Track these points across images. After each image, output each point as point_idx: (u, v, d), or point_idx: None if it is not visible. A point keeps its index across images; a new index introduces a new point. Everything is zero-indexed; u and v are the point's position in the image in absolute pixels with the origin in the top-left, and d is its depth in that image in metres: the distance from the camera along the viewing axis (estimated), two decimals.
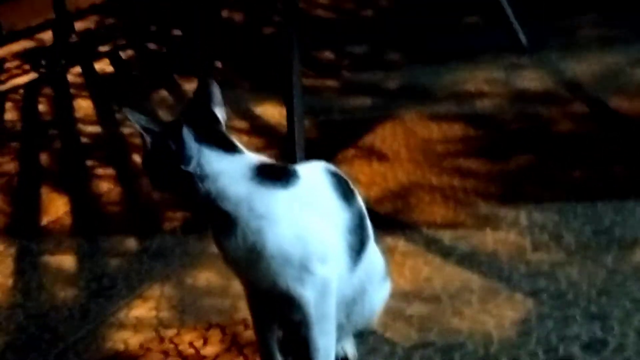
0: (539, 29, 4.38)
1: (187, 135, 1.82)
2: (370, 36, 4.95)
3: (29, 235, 3.02)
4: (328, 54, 4.76)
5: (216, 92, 1.89)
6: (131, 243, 2.87)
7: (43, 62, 5.42)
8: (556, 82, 3.78)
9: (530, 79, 3.83)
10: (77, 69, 5.14)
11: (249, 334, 2.17)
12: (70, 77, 5.01)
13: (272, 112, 3.84)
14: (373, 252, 2.00)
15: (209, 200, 1.83)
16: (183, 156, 1.81)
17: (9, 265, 2.84)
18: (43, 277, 2.73)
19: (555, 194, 2.77)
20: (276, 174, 1.86)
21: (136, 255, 2.77)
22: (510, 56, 4.12)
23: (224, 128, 1.89)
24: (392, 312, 2.16)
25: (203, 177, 1.82)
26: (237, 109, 3.87)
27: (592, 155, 3.02)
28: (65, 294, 2.60)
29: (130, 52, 5.40)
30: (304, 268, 1.83)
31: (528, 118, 3.43)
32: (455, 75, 4.02)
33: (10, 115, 4.51)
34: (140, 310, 2.43)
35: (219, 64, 4.80)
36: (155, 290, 2.53)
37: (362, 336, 2.12)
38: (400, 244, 2.58)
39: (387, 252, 2.16)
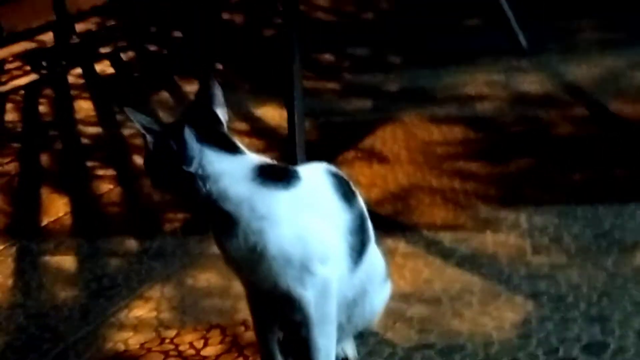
0: (539, 32, 4.39)
1: (189, 135, 1.82)
2: (371, 38, 4.95)
3: (29, 236, 3.03)
4: (328, 56, 4.76)
5: (218, 93, 1.90)
6: (131, 244, 2.87)
7: (44, 64, 5.42)
8: (556, 85, 3.78)
9: (531, 82, 3.84)
10: (78, 70, 5.14)
11: (250, 335, 2.18)
12: (70, 79, 5.00)
13: (272, 114, 3.84)
14: (374, 253, 2.00)
15: (210, 201, 1.83)
16: (185, 156, 1.81)
17: (9, 266, 2.84)
18: (43, 277, 2.73)
19: (555, 197, 2.77)
20: (277, 175, 1.86)
21: (136, 255, 2.77)
22: (510, 59, 4.12)
23: (225, 129, 1.89)
24: (392, 314, 2.16)
25: (204, 178, 1.82)
26: (238, 110, 3.87)
27: (593, 158, 3.02)
28: (66, 294, 2.60)
29: (130, 54, 5.40)
30: (305, 269, 1.84)
31: (528, 121, 3.43)
32: (455, 77, 4.02)
33: (10, 116, 4.50)
34: (141, 310, 2.43)
35: (219, 66, 4.81)
36: (155, 291, 2.53)
37: (362, 337, 2.12)
38: (400, 245, 2.58)
39: (388, 254, 2.16)
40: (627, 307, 2.14)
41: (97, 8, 6.28)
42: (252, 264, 1.84)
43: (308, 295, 1.85)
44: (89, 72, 5.10)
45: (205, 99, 1.89)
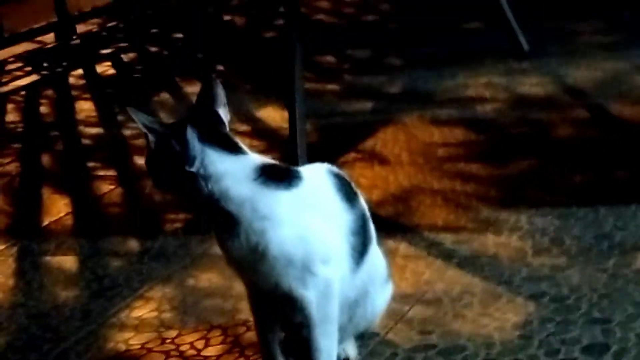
0: (540, 34, 4.39)
1: (191, 135, 1.82)
2: (372, 40, 4.95)
3: (30, 236, 3.03)
4: (329, 58, 4.76)
5: (220, 93, 1.90)
6: (133, 244, 2.87)
7: (45, 64, 5.42)
8: (557, 87, 3.78)
9: (531, 84, 3.84)
10: (79, 71, 5.14)
11: (251, 336, 2.18)
12: (71, 79, 5.01)
13: (273, 115, 3.85)
14: (376, 254, 2.00)
15: (212, 201, 1.83)
16: (187, 156, 1.81)
17: (10, 266, 2.84)
18: (44, 277, 2.73)
19: (556, 199, 2.77)
20: (279, 175, 1.86)
21: (138, 256, 2.77)
22: (511, 61, 4.12)
23: (227, 129, 1.90)
24: (393, 315, 2.16)
25: (206, 178, 1.82)
26: (239, 112, 3.87)
27: (593, 160, 3.02)
28: (67, 294, 2.60)
29: (131, 55, 5.40)
30: (307, 269, 1.84)
31: (529, 123, 3.43)
32: (456, 79, 4.03)
33: (11, 116, 4.51)
34: (142, 311, 2.43)
35: (220, 67, 4.81)
36: (156, 291, 2.53)
37: (363, 338, 2.12)
38: (401, 246, 2.58)
39: (389, 255, 2.15)
40: (628, 308, 2.14)
41: (98, 9, 6.28)
42: (253, 264, 1.84)
43: (310, 295, 1.85)
44: (90, 73, 5.10)
45: (207, 99, 1.90)
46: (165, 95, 4.45)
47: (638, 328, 2.06)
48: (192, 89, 4.22)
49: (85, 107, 4.47)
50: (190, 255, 2.71)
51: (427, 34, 4.85)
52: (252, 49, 5.11)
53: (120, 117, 4.19)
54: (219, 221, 1.85)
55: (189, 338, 2.26)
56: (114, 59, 5.32)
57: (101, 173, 3.55)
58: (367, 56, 4.72)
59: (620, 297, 2.19)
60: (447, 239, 2.59)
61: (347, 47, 4.87)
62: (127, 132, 3.91)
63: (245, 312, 2.22)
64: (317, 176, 1.93)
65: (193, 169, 1.82)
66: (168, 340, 2.26)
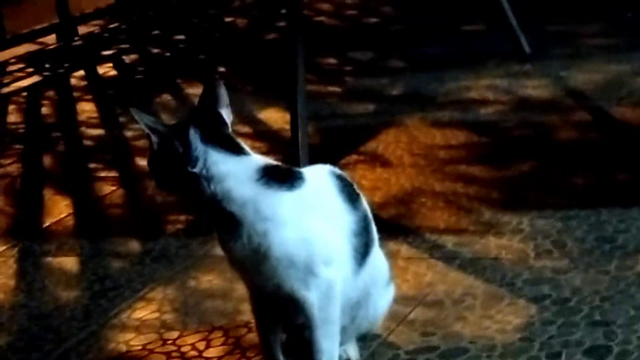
0: (542, 37, 4.39)
1: (194, 136, 1.82)
2: (373, 42, 4.95)
3: (31, 237, 3.03)
4: (331, 60, 4.77)
5: (223, 94, 1.90)
6: (134, 245, 2.87)
7: (46, 65, 5.43)
8: (559, 90, 3.79)
9: (533, 87, 3.84)
10: (81, 73, 5.15)
11: (252, 337, 2.17)
12: (73, 81, 5.01)
13: (275, 117, 3.85)
14: (378, 256, 2.00)
15: (214, 202, 1.83)
16: (189, 157, 1.82)
17: (12, 266, 2.84)
18: (45, 278, 2.73)
19: (558, 201, 2.77)
20: (282, 176, 1.86)
21: (139, 257, 2.77)
22: (513, 64, 4.13)
23: (230, 130, 1.90)
24: (395, 316, 2.16)
25: (209, 179, 1.82)
26: (241, 113, 3.87)
27: (595, 163, 3.02)
28: (68, 295, 2.60)
29: (133, 56, 5.41)
30: (309, 270, 1.84)
31: (531, 125, 3.44)
32: (458, 82, 4.03)
33: (13, 117, 4.51)
34: (143, 312, 2.43)
35: (222, 69, 4.81)
36: (158, 293, 2.53)
37: (365, 340, 2.12)
38: (403, 249, 2.58)
39: (390, 257, 2.15)
40: (630, 311, 2.14)
41: (100, 10, 6.29)
42: (255, 265, 1.84)
43: (312, 297, 1.85)
44: (92, 74, 5.11)
45: (210, 100, 1.90)
46: (166, 97, 4.46)
47: None
48: (194, 91, 4.22)
49: (86, 109, 4.47)
50: (191, 257, 2.71)
51: (429, 36, 4.85)
52: (254, 51, 5.11)
53: (121, 119, 4.20)
54: (221, 222, 1.85)
55: (191, 339, 2.26)
56: (116, 60, 5.33)
57: (102, 174, 3.55)
58: (368, 58, 4.72)
59: (622, 299, 2.19)
60: (448, 241, 2.59)
61: (348, 49, 4.88)
62: (128, 134, 3.91)
63: (246, 314, 2.22)
64: (319, 177, 1.93)
65: (196, 170, 1.82)
66: (169, 342, 2.26)
